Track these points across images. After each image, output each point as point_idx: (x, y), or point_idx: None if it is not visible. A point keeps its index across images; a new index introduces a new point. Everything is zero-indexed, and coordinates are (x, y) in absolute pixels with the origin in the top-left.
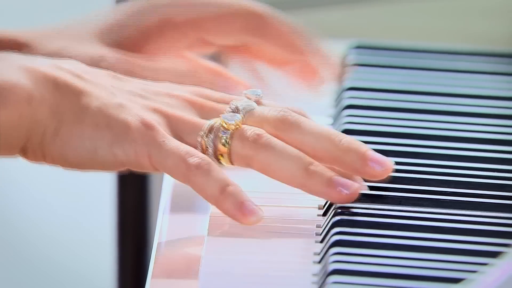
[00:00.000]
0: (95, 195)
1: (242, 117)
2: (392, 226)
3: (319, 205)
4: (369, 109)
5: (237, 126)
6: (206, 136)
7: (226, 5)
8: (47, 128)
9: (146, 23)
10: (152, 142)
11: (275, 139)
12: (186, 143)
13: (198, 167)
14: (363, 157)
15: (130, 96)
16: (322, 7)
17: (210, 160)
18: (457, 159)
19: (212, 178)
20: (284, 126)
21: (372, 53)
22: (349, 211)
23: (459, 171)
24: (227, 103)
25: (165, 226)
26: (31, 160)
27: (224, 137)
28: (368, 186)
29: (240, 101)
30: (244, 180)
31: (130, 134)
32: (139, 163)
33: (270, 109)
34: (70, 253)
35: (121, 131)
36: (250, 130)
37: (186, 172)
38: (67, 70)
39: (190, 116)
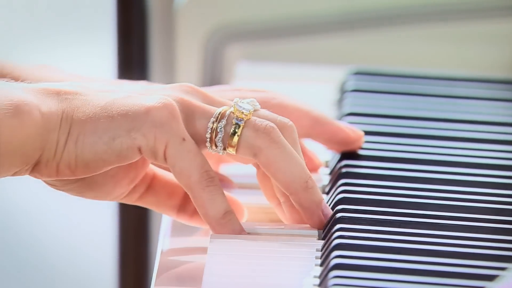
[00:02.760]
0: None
1: (251, 110)
2: (391, 249)
3: (318, 231)
4: (368, 135)
5: (249, 116)
6: (218, 122)
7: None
8: (61, 136)
9: None
10: (173, 133)
11: (284, 139)
12: (196, 127)
13: (211, 183)
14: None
15: (133, 93)
16: (321, 34)
17: (218, 181)
18: (455, 184)
19: (219, 199)
20: (287, 132)
21: (370, 79)
22: (349, 235)
23: (457, 196)
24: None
25: (168, 234)
26: (44, 175)
27: (237, 125)
28: (369, 211)
29: (244, 100)
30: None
31: (150, 117)
32: (154, 150)
33: (273, 113)
34: (71, 259)
35: (140, 114)
36: (264, 122)
37: (197, 183)
38: (65, 85)
39: (199, 102)
